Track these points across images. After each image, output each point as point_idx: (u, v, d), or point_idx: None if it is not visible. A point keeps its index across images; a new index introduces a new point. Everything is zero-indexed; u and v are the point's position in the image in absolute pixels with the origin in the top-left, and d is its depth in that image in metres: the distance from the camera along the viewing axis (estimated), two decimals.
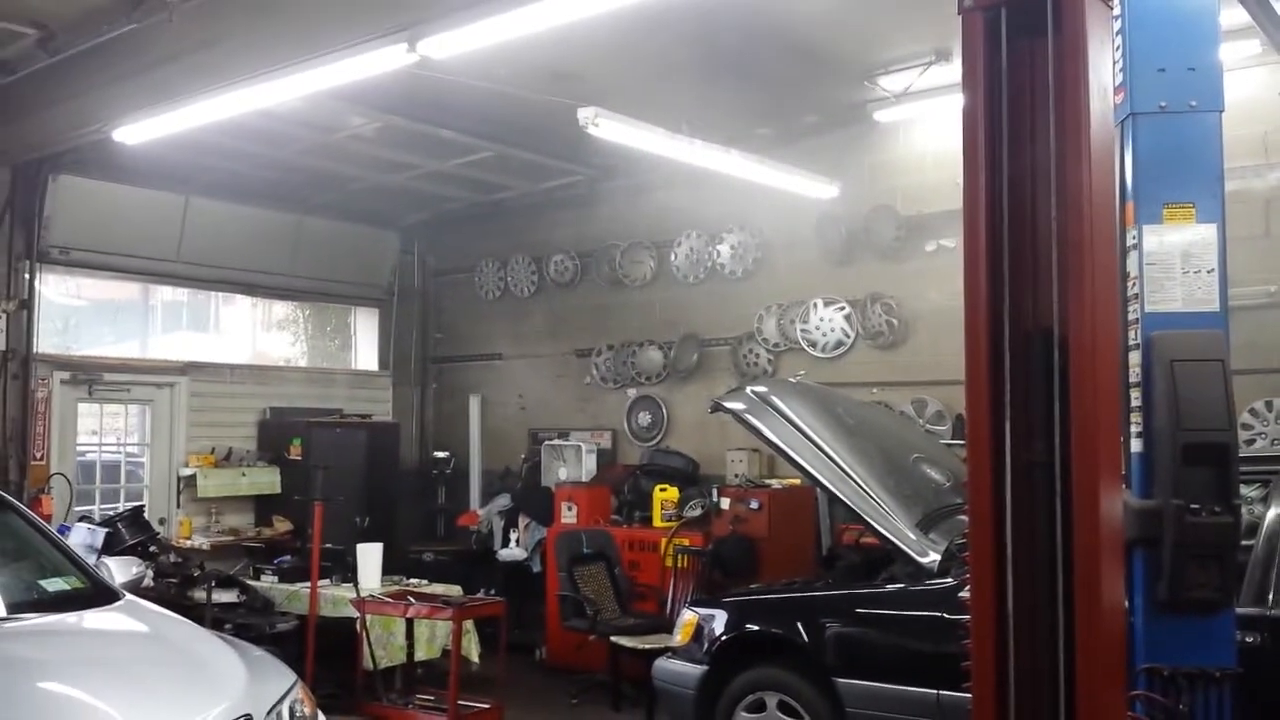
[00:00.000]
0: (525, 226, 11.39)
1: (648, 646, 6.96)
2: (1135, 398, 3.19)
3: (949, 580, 4.49)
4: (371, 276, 12.10)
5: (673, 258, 10.22)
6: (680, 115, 7.67)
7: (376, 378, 12.16)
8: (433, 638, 7.62)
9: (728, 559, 7.92)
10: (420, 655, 7.57)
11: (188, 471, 10.02)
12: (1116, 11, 3.33)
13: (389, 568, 8.05)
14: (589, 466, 9.82)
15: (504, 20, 5.39)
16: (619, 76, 7.57)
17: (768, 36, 7.12)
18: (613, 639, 7.47)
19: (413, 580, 8.16)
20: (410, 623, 7.32)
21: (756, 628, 5.30)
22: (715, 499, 8.35)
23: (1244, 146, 6.54)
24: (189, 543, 9.47)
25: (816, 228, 9.28)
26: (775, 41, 7.22)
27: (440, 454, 11.59)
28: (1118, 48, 3.41)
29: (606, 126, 6.99)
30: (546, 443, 10.43)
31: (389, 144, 9.20)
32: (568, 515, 9.15)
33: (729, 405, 5.74)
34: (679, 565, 8.10)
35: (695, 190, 9.41)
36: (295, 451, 10.29)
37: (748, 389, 5.83)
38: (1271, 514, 3.83)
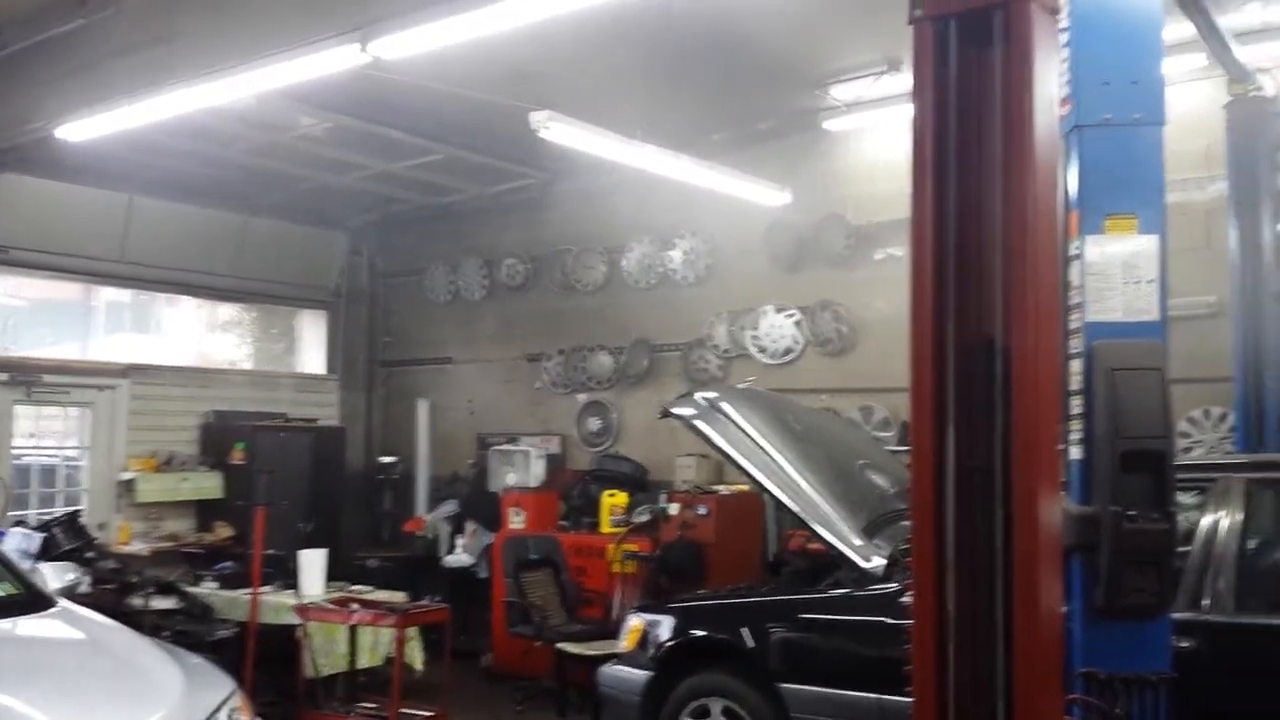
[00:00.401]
0: (476, 229, 11.33)
1: (593, 653, 6.94)
2: (1076, 406, 3.23)
3: (892, 585, 4.51)
4: (319, 278, 11.97)
5: (624, 263, 10.21)
6: (634, 120, 7.66)
7: (323, 381, 12.02)
8: (376, 645, 7.53)
9: (675, 565, 7.91)
10: (363, 662, 7.47)
11: (128, 476, 9.82)
12: (1064, 24, 3.38)
13: (333, 574, 7.95)
14: (537, 472, 9.77)
15: (457, 22, 5.36)
16: (573, 80, 7.56)
17: (722, 43, 7.15)
18: (558, 645, 7.43)
19: (357, 587, 8.06)
20: (353, 630, 7.23)
21: (702, 633, 5.30)
22: (664, 505, 8.35)
23: (1187, 159, 6.66)
24: (128, 548, 9.28)
25: (768, 235, 9.32)
26: (729, 48, 7.25)
27: (387, 459, 11.48)
28: (1065, 60, 3.45)
29: (559, 130, 6.97)
30: (495, 448, 10.37)
31: (338, 144, 9.11)
32: (515, 521, 9.10)
33: (678, 411, 5.74)
34: (626, 571, 8.08)
35: (648, 195, 9.41)
36: (238, 456, 10.14)
37: (697, 395, 5.83)
38: (1207, 521, 3.90)
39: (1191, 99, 6.68)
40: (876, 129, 8.42)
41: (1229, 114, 6.14)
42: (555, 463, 10.21)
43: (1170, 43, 4.72)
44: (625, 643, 5.60)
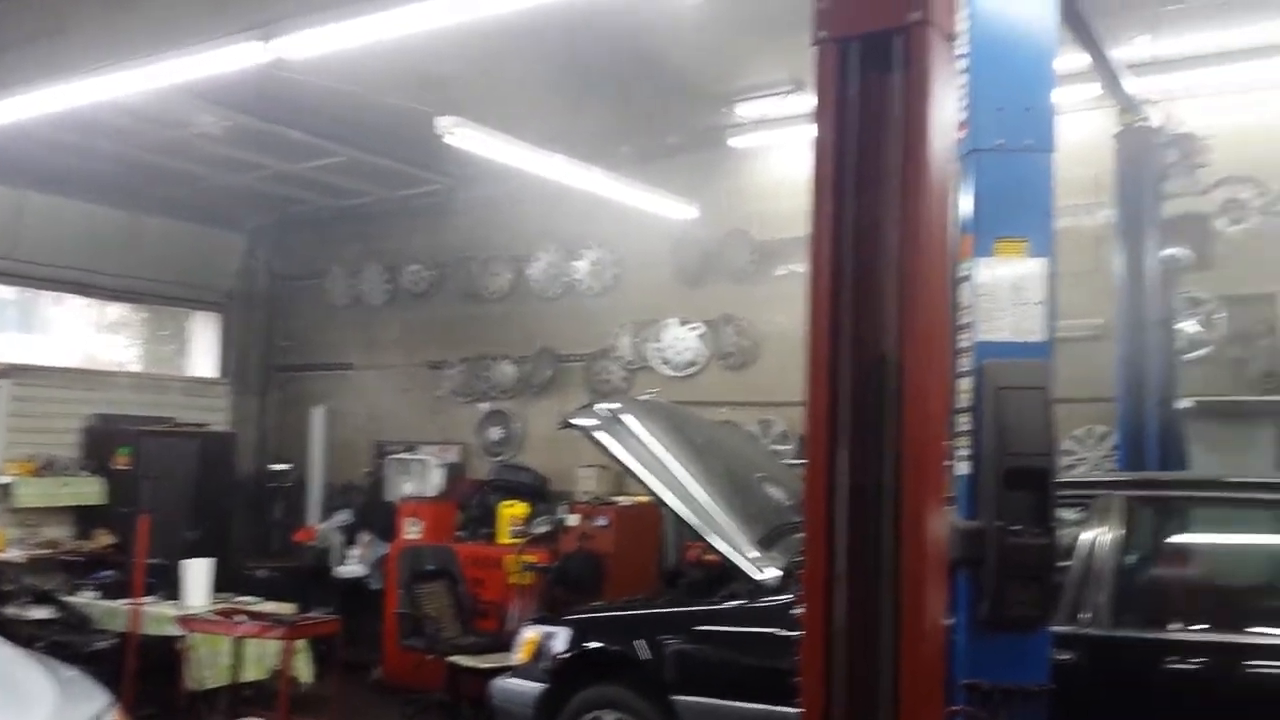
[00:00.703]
0: (380, 234, 11.16)
1: (487, 665, 6.85)
2: (964, 423, 3.30)
3: (786, 597, 4.55)
4: (213, 279, 11.64)
5: (531, 272, 10.17)
6: (543, 129, 7.65)
7: (214, 385, 11.70)
8: (262, 657, 7.33)
9: (574, 576, 7.88)
10: (249, 676, 7.27)
11: (4, 480, 9.41)
12: (963, 51, 3.45)
13: (220, 584, 7.73)
14: (436, 481, 9.64)
15: (363, 23, 5.28)
16: (483, 87, 7.50)
17: (632, 57, 7.18)
18: (451, 658, 7.33)
19: (244, 598, 7.85)
20: (239, 642, 7.03)
21: (597, 645, 5.28)
22: (563, 516, 8.31)
23: (1078, 186, 6.87)
24: (3, 555, 8.88)
25: (674, 248, 9.38)
26: (639, 62, 7.29)
27: (279, 467, 11.20)
28: (963, 85, 3.53)
29: (466, 136, 6.91)
30: (392, 456, 10.20)
31: (238, 143, 8.90)
32: (411, 531, 8.95)
33: (578, 422, 5.73)
34: (524, 583, 8.01)
35: (556, 205, 9.39)
36: (122, 461, 9.80)
37: (597, 406, 5.82)
38: (1087, 536, 4.02)
39: (1084, 128, 6.90)
40: (782, 147, 8.54)
41: (1118, 143, 6.36)
42: (455, 472, 10.09)
43: (1065, 73, 4.88)
44: (520, 655, 5.55)
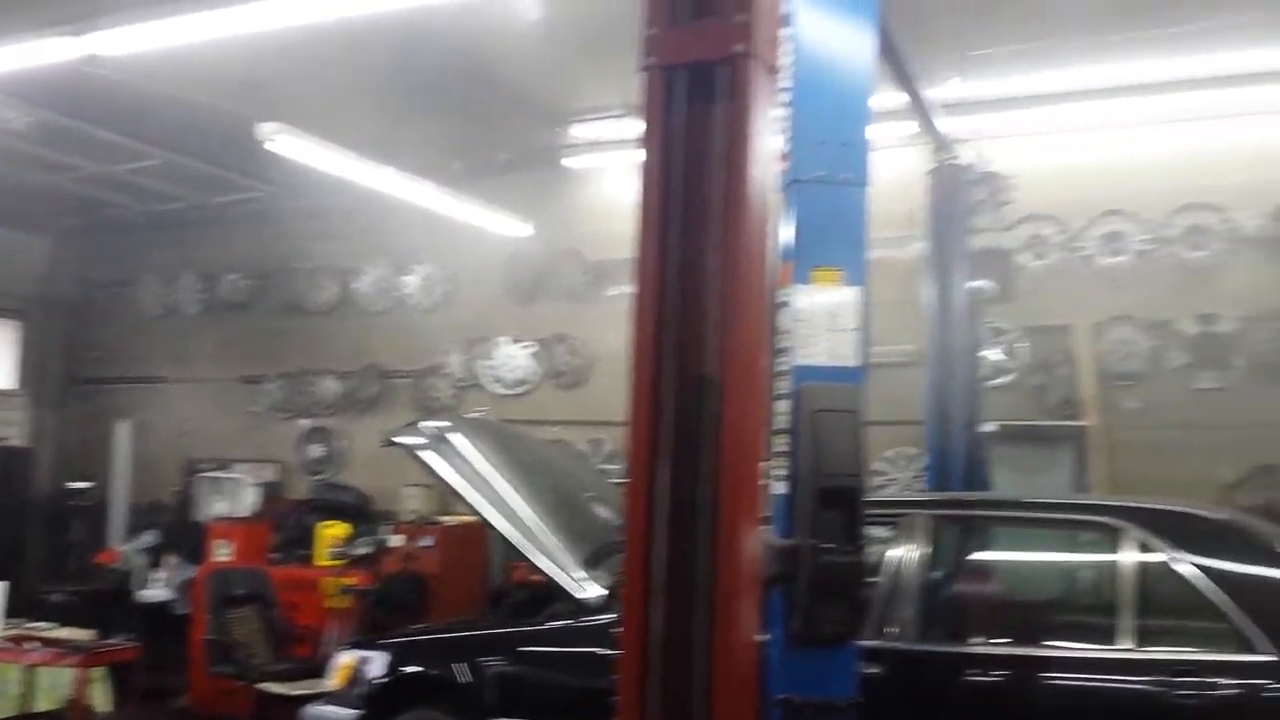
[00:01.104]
0: (197, 240, 10.69)
1: (299, 692, 6.60)
2: (783, 444, 3.39)
3: (609, 616, 4.56)
4: (12, 285, 10.90)
5: (358, 285, 9.93)
6: (374, 140, 7.50)
7: (9, 398, 10.92)
8: (56, 686, 6.87)
9: (396, 598, 7.69)
10: (41, 705, 6.80)
11: None
12: (787, 85, 3.55)
13: (12, 609, 7.21)
14: (250, 501, 9.26)
15: (182, 22, 5.07)
16: (312, 94, 7.30)
17: (468, 71, 7.12)
18: (261, 685, 7.03)
19: (38, 624, 7.34)
20: (30, 670, 6.57)
21: (415, 669, 5.16)
22: (385, 536, 8.12)
23: (893, 219, 7.15)
24: None
25: (507, 266, 9.35)
26: (474, 77, 7.23)
27: (79, 484, 10.53)
28: (786, 118, 3.63)
29: (288, 144, 6.71)
30: (203, 474, 9.74)
31: (46, 142, 8.40)
32: (222, 553, 8.55)
33: (402, 440, 5.61)
34: (342, 606, 7.77)
35: (387, 217, 9.22)
36: None
37: (422, 424, 5.72)
38: (895, 554, 4.19)
39: (900, 164, 7.22)
40: (616, 169, 8.63)
41: (931, 180, 6.67)
42: (271, 491, 9.72)
43: (883, 111, 5.11)
44: (333, 681, 5.36)
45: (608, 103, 7.68)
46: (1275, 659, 3.47)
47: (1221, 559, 3.75)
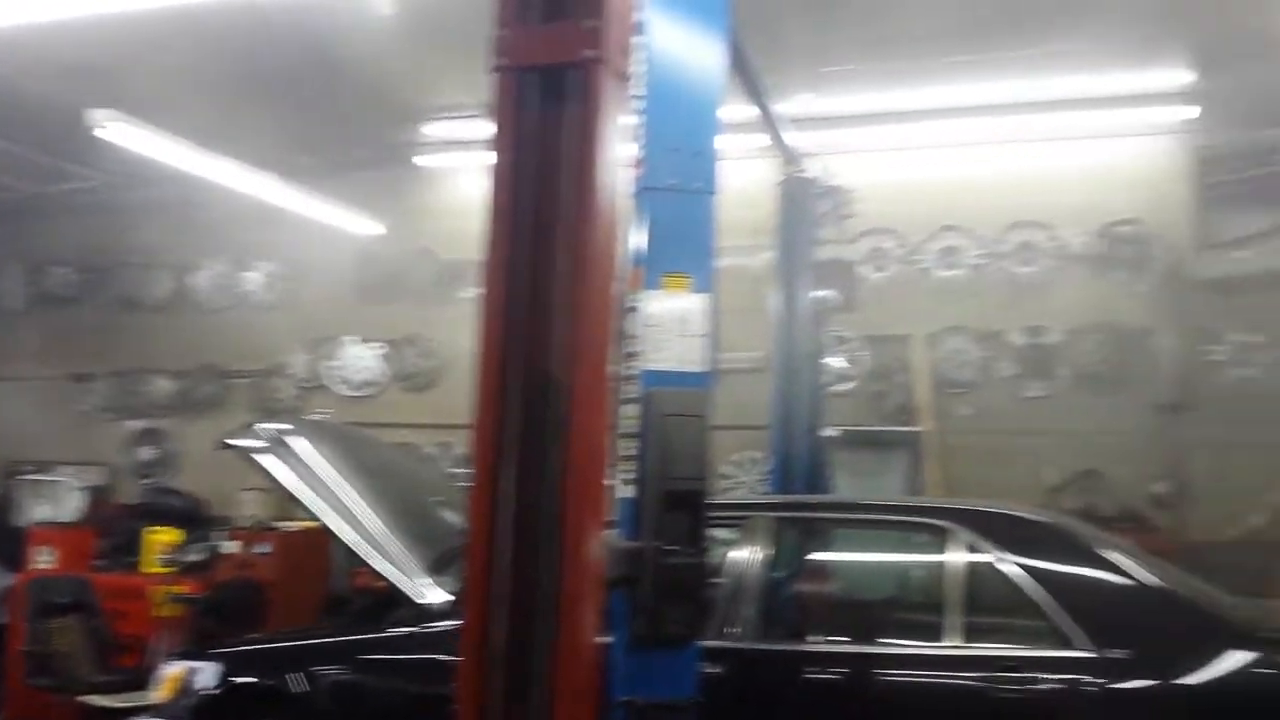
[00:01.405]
0: (22, 231, 10.07)
1: (124, 705, 6.30)
2: (631, 447, 3.42)
3: (453, 622, 4.49)
4: None
5: (196, 281, 9.54)
6: (217, 131, 7.22)
7: None
8: None
9: (230, 607, 7.41)
10: None
11: None
12: (640, 93, 3.58)
13: None
14: (75, 505, 8.78)
15: (12, 4, 4.78)
16: (151, 83, 6.96)
17: (317, 65, 6.93)
18: (84, 697, 6.67)
19: None
20: None
21: (248, 680, 4.98)
22: (219, 542, 7.81)
23: (744, 228, 7.30)
24: None
25: (357, 264, 9.14)
26: (324, 71, 7.05)
27: None
28: (640, 125, 3.66)
29: (122, 132, 6.40)
30: (23, 477, 9.19)
31: None
32: (43, 560, 8.08)
33: (237, 443, 5.40)
34: (171, 615, 7.43)
35: (227, 212, 8.88)
36: None
37: (259, 426, 5.52)
38: (739, 555, 4.26)
39: (751, 175, 7.37)
40: (470, 168, 8.54)
41: (780, 191, 6.84)
42: (98, 495, 9.24)
43: (736, 123, 5.22)
44: (160, 693, 5.12)
45: (461, 101, 7.59)
46: (1092, 655, 3.66)
47: (1043, 559, 3.95)
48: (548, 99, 2.67)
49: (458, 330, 9.00)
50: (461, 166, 8.58)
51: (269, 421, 5.92)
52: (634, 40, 2.98)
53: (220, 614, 7.34)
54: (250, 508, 8.67)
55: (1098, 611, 3.76)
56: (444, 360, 8.93)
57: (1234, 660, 3.59)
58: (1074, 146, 8.04)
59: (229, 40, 6.33)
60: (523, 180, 2.68)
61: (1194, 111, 7.58)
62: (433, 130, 8.12)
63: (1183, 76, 7.26)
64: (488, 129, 2.74)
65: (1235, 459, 7.47)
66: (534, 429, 2.54)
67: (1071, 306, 8.09)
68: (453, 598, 4.77)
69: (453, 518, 5.72)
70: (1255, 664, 3.57)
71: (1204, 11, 6.36)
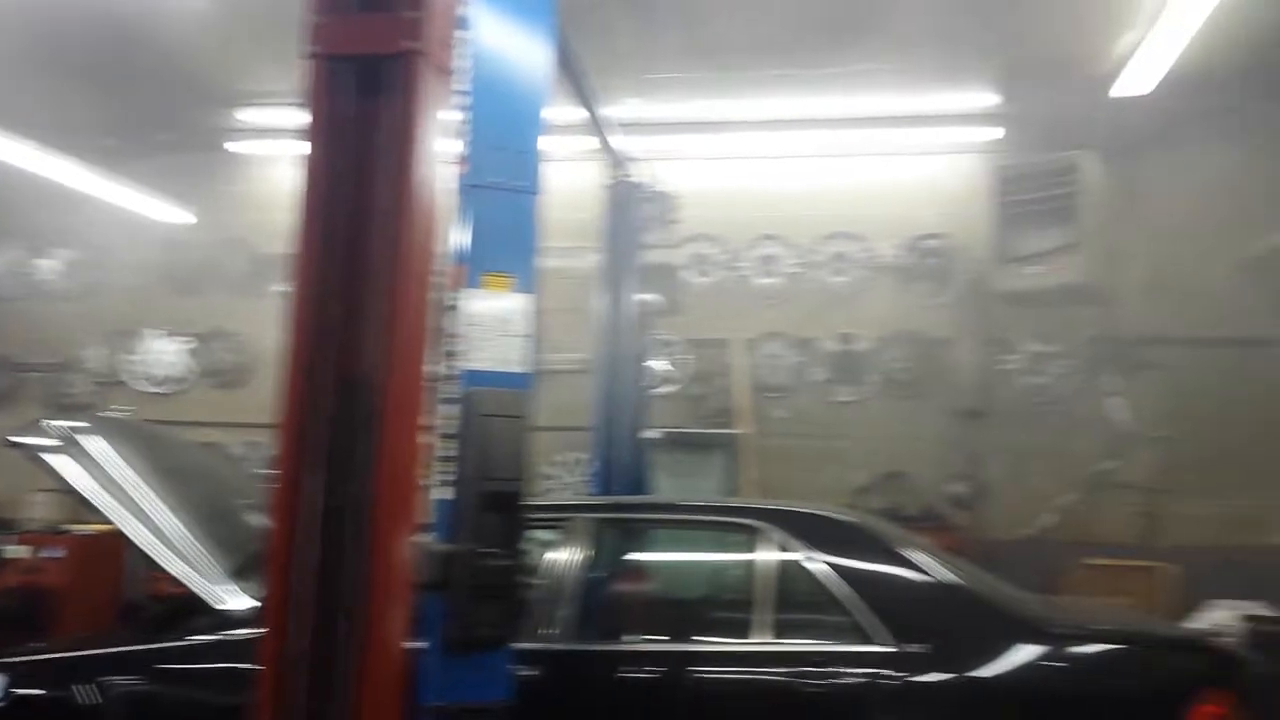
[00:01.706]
0: None
1: None
2: (449, 448, 3.36)
3: (253, 629, 4.32)
4: None
5: None
6: (10, 110, 6.73)
7: None
8: None
9: (18, 614, 6.93)
10: None
11: None
12: (466, 88, 3.53)
13: None
14: None
15: None
16: None
17: (122, 43, 6.57)
18: None
19: None
20: None
21: (33, 692, 4.65)
22: (4, 546, 7.30)
23: (571, 229, 7.29)
24: None
25: (165, 254, 8.68)
26: (131, 51, 6.69)
27: None
28: (466, 121, 3.61)
29: None
30: None
31: None
32: None
33: (23, 441, 5.04)
34: None
35: (20, 194, 8.29)
36: None
37: (49, 423, 5.17)
38: (558, 556, 4.26)
39: (579, 177, 7.40)
40: (288, 157, 8.25)
41: (608, 194, 6.88)
42: None
43: (566, 124, 5.21)
44: None
45: (278, 88, 7.32)
46: (892, 650, 3.82)
47: (849, 558, 4.09)
48: (365, 90, 2.61)
49: (270, 325, 8.68)
50: (278, 155, 8.28)
51: (60, 418, 5.55)
52: (457, 34, 2.94)
53: (4, 622, 6.86)
54: (41, 510, 8.12)
55: (898, 608, 3.92)
56: (255, 356, 8.58)
57: (1024, 654, 3.80)
58: (887, 162, 8.41)
59: (24, 16, 5.92)
60: (337, 172, 2.61)
61: (998, 132, 8.06)
62: (248, 116, 7.80)
63: (988, 99, 7.71)
64: (303, 118, 2.65)
65: (1028, 462, 7.97)
66: (343, 429, 2.47)
67: (881, 315, 8.45)
68: (258, 604, 4.59)
69: (260, 521, 5.51)
70: (1043, 657, 3.79)
71: (1009, 38, 6.76)
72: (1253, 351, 7.67)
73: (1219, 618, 6.31)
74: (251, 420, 8.38)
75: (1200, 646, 4.26)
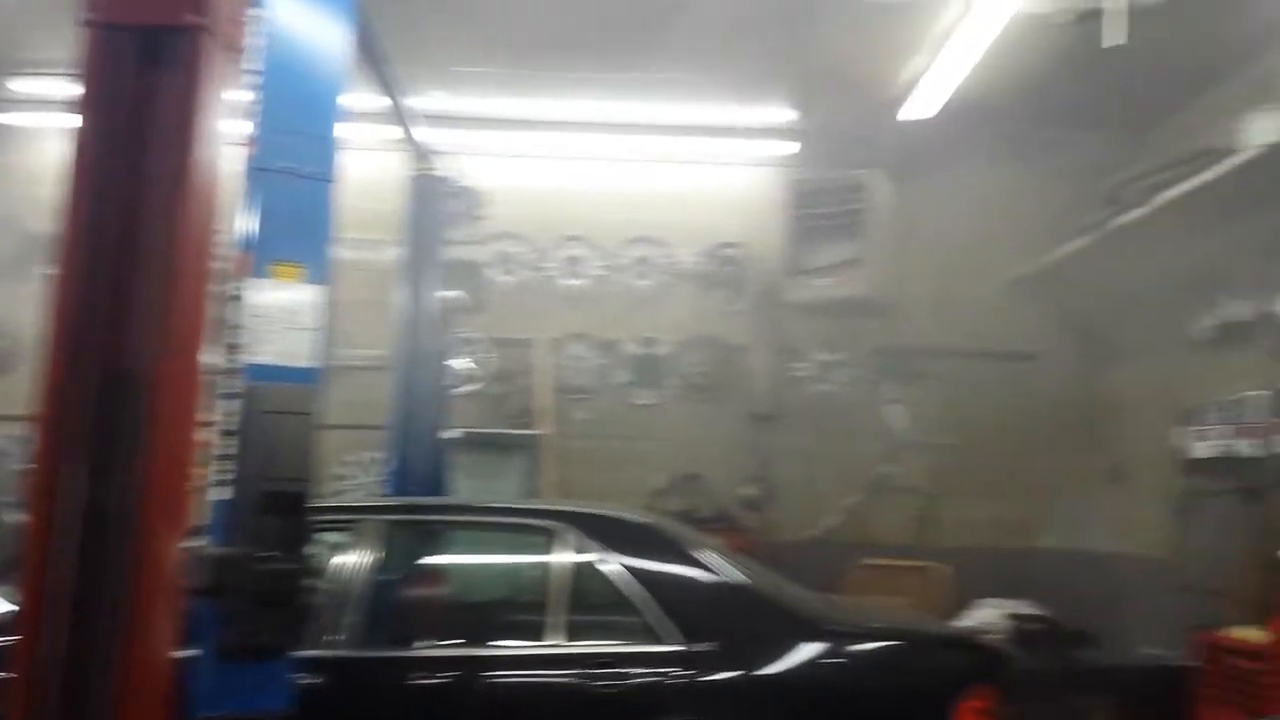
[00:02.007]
0: None
1: None
2: (228, 446, 3.19)
3: (4, 638, 3.99)
4: None
5: None
6: None
7: None
8: None
9: None
10: None
11: None
12: (257, 68, 3.36)
13: None
14: None
15: None
16: None
17: None
18: None
19: None
20: None
21: None
22: None
23: (372, 220, 7.06)
24: None
25: None
26: None
27: None
28: (256, 102, 3.43)
29: None
30: None
31: None
32: None
33: None
34: None
35: None
36: None
37: None
38: (345, 559, 4.11)
39: (381, 167, 7.16)
40: (59, 129, 7.66)
41: (411, 187, 6.70)
42: None
43: (367, 112, 5.05)
44: None
45: (56, 57, 6.78)
46: (681, 649, 3.89)
47: (642, 559, 4.14)
48: (144, 62, 2.46)
49: (37, 309, 8.05)
50: (50, 127, 7.68)
51: None
52: (248, 11, 2.80)
53: None
54: None
55: (688, 608, 3.99)
56: (21, 343, 7.94)
57: (806, 651, 3.94)
58: (689, 170, 8.59)
59: None
60: (110, 148, 2.45)
61: (794, 147, 8.35)
62: (19, 86, 7.22)
63: (785, 114, 7.99)
64: (77, 88, 2.47)
65: (815, 466, 8.29)
66: (107, 422, 2.30)
67: (681, 320, 8.61)
68: (16, 609, 4.25)
69: (17, 519, 5.11)
70: (824, 654, 3.94)
71: (806, 56, 7.02)
72: (1021, 365, 8.25)
73: (986, 616, 6.74)
74: (18, 411, 7.74)
75: (968, 644, 4.54)
